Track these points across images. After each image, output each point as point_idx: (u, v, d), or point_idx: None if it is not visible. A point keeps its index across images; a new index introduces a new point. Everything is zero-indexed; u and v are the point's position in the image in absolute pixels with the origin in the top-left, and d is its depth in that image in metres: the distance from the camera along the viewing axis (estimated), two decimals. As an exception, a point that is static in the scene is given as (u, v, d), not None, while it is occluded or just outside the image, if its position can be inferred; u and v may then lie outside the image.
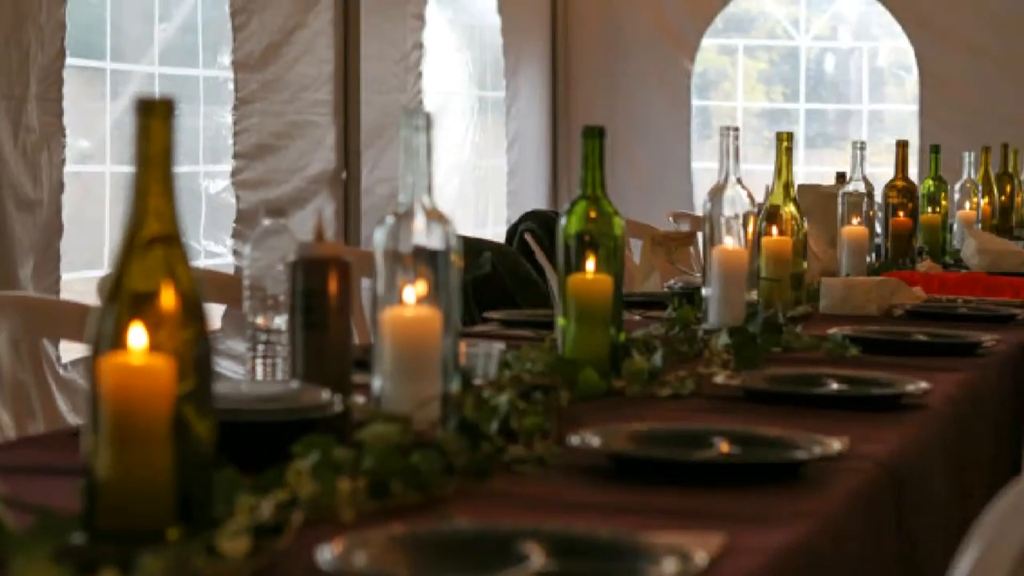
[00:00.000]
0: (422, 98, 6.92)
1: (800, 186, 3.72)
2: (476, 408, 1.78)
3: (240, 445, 1.54)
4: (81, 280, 4.97)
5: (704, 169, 8.31)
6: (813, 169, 8.33)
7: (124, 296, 1.25)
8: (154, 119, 1.25)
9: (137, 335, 1.24)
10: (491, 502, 1.59)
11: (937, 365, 2.67)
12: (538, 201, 8.07)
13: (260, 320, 2.05)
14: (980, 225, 5.42)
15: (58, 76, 4.68)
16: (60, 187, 4.68)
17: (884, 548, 1.81)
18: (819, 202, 4.01)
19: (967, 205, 5.43)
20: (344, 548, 1.28)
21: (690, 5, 8.41)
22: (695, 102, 8.54)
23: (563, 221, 2.33)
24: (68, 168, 4.75)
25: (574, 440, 1.78)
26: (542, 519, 1.46)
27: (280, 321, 2.04)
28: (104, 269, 5.09)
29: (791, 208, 3.39)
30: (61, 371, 4.55)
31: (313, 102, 6.16)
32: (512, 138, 8.08)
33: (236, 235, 5.66)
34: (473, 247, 4.89)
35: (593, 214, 2.31)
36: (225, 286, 3.08)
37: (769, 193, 3.42)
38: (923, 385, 2.30)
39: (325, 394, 1.75)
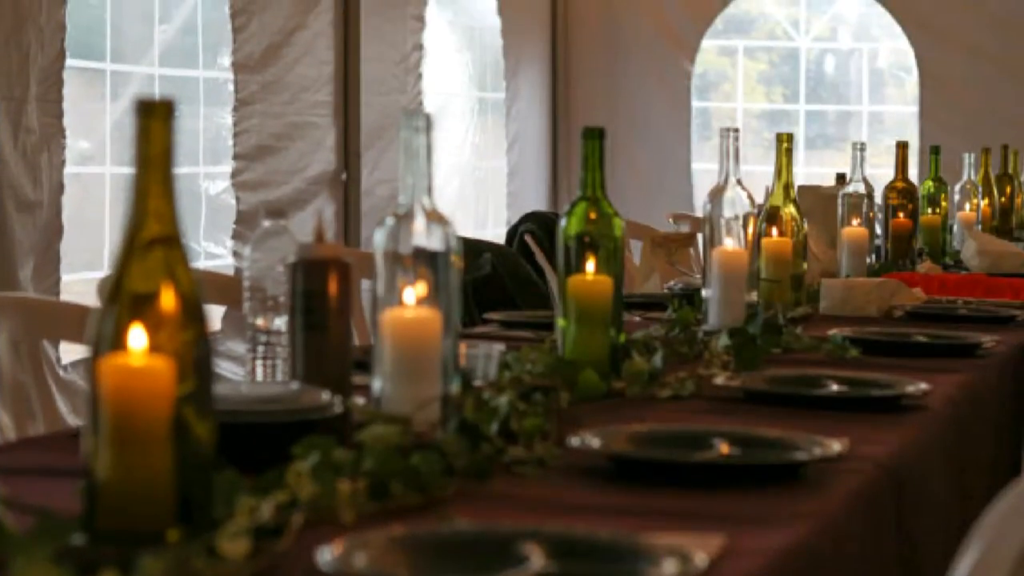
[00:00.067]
0: (422, 99, 6.93)
1: (800, 187, 3.72)
2: (476, 409, 1.78)
3: (240, 446, 1.54)
4: (81, 281, 4.97)
5: (704, 170, 8.31)
6: (813, 170, 8.34)
7: (124, 297, 1.25)
8: (154, 120, 1.25)
9: (137, 336, 1.24)
10: (491, 503, 1.59)
11: (937, 366, 2.67)
12: (538, 202, 8.07)
13: (260, 321, 2.05)
14: (980, 226, 5.42)
15: (58, 77, 4.68)
16: (60, 188, 4.68)
17: (884, 549, 1.81)
18: (819, 203, 4.01)
19: (967, 206, 5.44)
20: (344, 549, 1.28)
21: (690, 6, 8.41)
22: (695, 103, 8.54)
23: (563, 222, 2.33)
24: (68, 169, 4.75)
25: (574, 441, 1.78)
26: (542, 520, 1.47)
27: (280, 322, 2.04)
28: (104, 270, 5.09)
29: (791, 209, 3.39)
30: (61, 372, 4.55)
31: (313, 103, 6.16)
32: (512, 139, 8.08)
33: (236, 236, 5.66)
34: (473, 248, 4.90)
35: (593, 215, 2.31)
36: (225, 287, 3.08)
37: (769, 194, 3.42)
38: (923, 386, 2.30)
39: (325, 395, 1.75)
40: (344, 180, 6.37)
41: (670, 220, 6.40)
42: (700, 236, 3.31)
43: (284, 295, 1.99)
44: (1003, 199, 5.94)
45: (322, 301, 1.84)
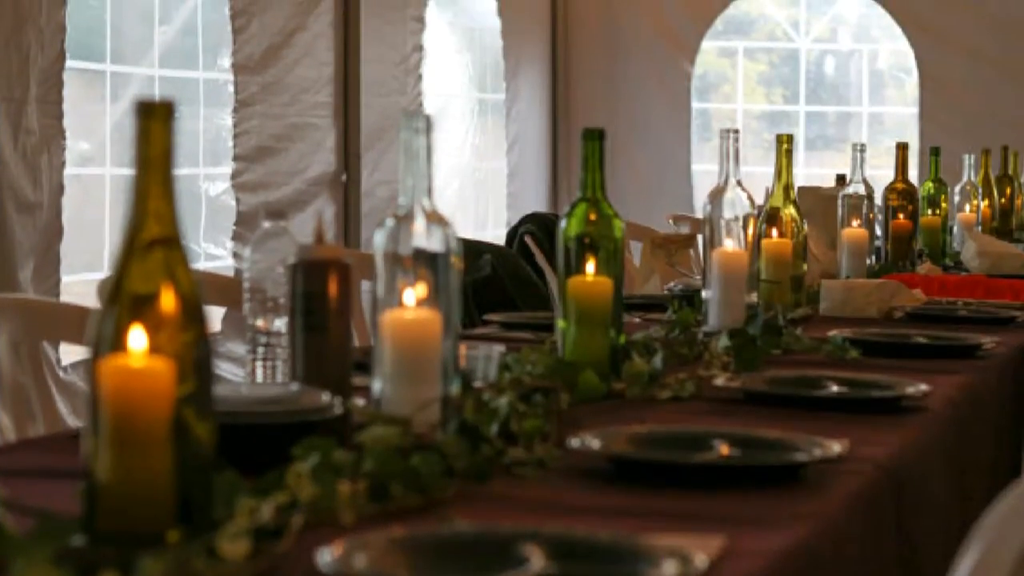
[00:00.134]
0: (422, 100, 6.93)
1: (800, 188, 3.72)
2: (476, 411, 1.78)
3: (240, 448, 1.54)
4: (81, 282, 4.97)
5: (704, 171, 8.31)
6: (813, 171, 8.34)
7: (124, 298, 1.25)
8: (154, 121, 1.25)
9: (137, 337, 1.24)
10: (491, 505, 1.59)
11: (937, 367, 2.67)
12: (538, 203, 8.07)
13: (260, 322, 2.05)
14: (980, 228, 5.42)
15: (58, 78, 4.68)
16: (60, 189, 4.68)
17: (884, 550, 1.81)
18: (819, 204, 4.01)
19: (967, 208, 5.44)
20: (344, 551, 1.28)
21: (690, 7, 8.41)
22: (695, 104, 8.54)
23: (563, 223, 2.33)
24: (68, 170, 4.75)
25: (574, 443, 1.78)
26: (542, 522, 1.46)
27: (280, 323, 2.04)
28: (104, 271, 5.09)
29: (791, 210, 3.39)
30: (61, 374, 4.55)
31: (313, 104, 6.16)
32: (512, 140, 8.08)
33: (236, 237, 5.66)
34: (473, 249, 4.90)
35: (593, 216, 2.31)
36: (225, 288, 3.08)
37: (769, 195, 3.42)
38: (923, 387, 2.30)
39: (325, 397, 1.75)
40: (344, 181, 6.37)
41: (670, 221, 6.40)
42: (700, 237, 3.31)
43: (284, 296, 1.99)
44: (1003, 200, 5.94)
45: (322, 302, 1.84)
